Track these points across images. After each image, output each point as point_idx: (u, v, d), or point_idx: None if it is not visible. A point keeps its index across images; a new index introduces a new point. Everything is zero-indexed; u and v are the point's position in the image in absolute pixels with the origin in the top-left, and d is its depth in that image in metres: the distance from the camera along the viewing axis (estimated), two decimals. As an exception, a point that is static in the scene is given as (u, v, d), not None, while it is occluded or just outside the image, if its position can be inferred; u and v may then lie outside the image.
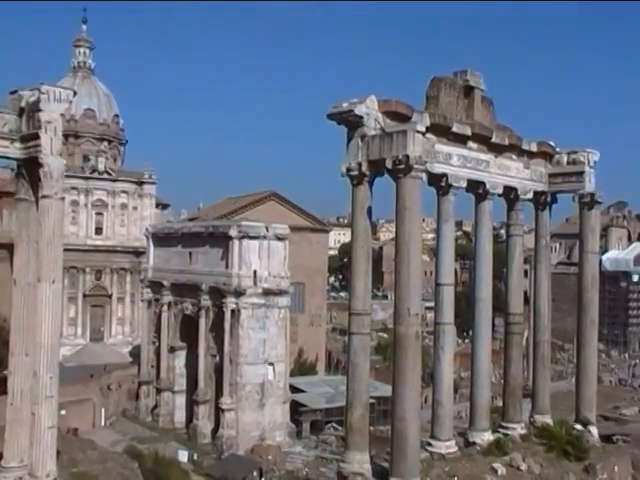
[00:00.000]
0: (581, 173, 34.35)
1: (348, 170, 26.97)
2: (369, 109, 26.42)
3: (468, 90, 30.75)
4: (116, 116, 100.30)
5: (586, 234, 34.81)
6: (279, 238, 51.64)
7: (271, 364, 50.49)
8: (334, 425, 52.70)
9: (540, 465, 30.12)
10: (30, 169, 22.93)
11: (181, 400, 55.73)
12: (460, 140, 29.51)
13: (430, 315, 44.74)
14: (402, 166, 25.19)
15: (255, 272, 50.11)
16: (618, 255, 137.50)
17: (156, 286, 57.41)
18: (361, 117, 26.30)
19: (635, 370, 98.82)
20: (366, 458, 27.31)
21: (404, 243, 25.47)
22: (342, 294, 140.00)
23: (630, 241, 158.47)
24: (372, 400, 42.51)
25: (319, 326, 76.91)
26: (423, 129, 26.30)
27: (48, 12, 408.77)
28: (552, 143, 35.24)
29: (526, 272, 45.73)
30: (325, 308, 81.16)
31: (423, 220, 31.83)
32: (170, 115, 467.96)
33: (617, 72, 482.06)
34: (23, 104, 23.10)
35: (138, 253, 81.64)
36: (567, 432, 32.72)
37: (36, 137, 22.29)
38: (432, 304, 31.50)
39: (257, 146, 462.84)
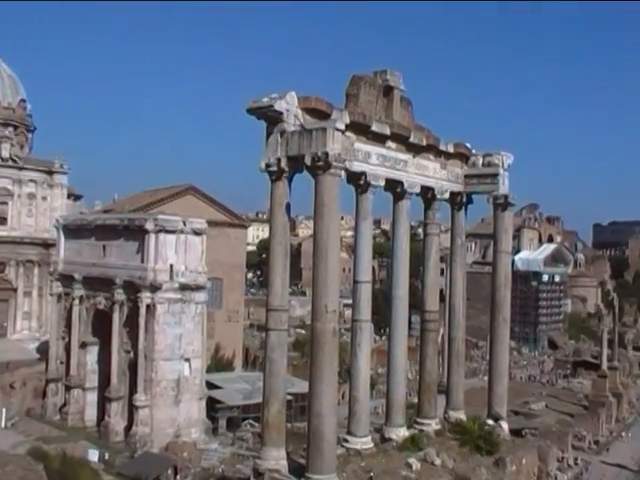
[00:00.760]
0: (495, 175, 35.26)
1: (267, 166, 26.79)
2: (289, 105, 26.29)
3: (388, 90, 31.05)
4: (23, 101, 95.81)
5: (500, 234, 35.72)
6: (197, 233, 50.80)
7: (187, 360, 49.61)
8: (251, 422, 52.32)
9: (453, 460, 30.77)
10: None
11: (92, 397, 54.01)
12: (379, 139, 29.75)
13: (348, 312, 45.07)
14: (321, 163, 25.17)
15: (172, 267, 49.09)
16: (529, 256, 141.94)
17: (67, 279, 55.48)
18: (281, 113, 26.14)
19: (544, 366, 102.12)
20: (282, 454, 27.27)
21: (322, 240, 25.46)
22: (260, 290, 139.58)
23: (541, 242, 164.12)
24: (289, 396, 42.36)
25: (237, 322, 76.26)
26: (342, 127, 26.35)
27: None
28: (468, 145, 35.98)
29: (442, 270, 46.49)
30: (243, 304, 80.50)
31: (342, 217, 31.98)
32: (85, 104, 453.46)
33: (535, 75, 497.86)
34: None
35: (47, 245, 78.47)
36: (479, 427, 33.57)
37: None
38: (350, 301, 31.66)
39: (175, 139, 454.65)
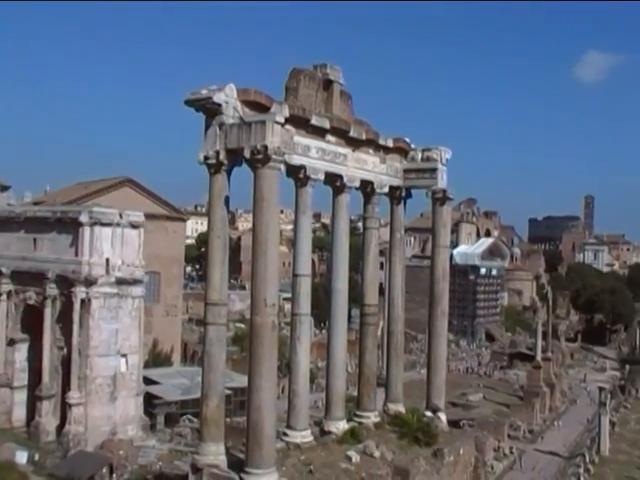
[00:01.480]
0: (434, 170, 35.58)
1: (206, 158, 26.44)
2: (228, 97, 25.98)
3: (327, 83, 31.02)
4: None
5: (438, 229, 36.10)
6: (134, 226, 49.73)
7: (124, 356, 48.55)
8: (189, 417, 51.64)
9: (392, 452, 31.01)
10: None
11: (21, 397, 52.15)
12: (319, 133, 29.69)
13: (288, 306, 44.92)
14: (260, 156, 24.96)
15: (107, 260, 47.88)
16: (467, 250, 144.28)
17: (-7, 274, 53.57)
18: (219, 105, 25.82)
19: (481, 359, 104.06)
20: (221, 449, 27.06)
21: (262, 233, 25.28)
22: (200, 284, 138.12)
23: (478, 236, 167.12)
24: (229, 391, 42.13)
25: (175, 316, 75.11)
26: (282, 120, 26.20)
27: None
28: (407, 140, 36.23)
29: (382, 264, 46.82)
30: (181, 298, 79.34)
31: (282, 211, 31.81)
32: (13, 92, 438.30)
33: (472, 70, 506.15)
34: None
35: (-30, 238, 75.94)
36: (418, 419, 33.92)
37: None
38: (290, 295, 31.52)
39: (110, 130, 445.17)
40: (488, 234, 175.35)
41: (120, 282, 48.53)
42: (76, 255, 47.88)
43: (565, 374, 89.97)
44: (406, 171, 35.85)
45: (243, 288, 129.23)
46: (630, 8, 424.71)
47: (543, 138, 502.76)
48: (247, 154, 25.43)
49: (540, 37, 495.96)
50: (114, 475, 40.75)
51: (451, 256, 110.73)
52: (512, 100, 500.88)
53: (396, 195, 35.67)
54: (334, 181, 31.30)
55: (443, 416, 35.85)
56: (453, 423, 37.87)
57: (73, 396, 46.10)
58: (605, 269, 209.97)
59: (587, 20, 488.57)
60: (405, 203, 36.46)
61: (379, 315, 38.68)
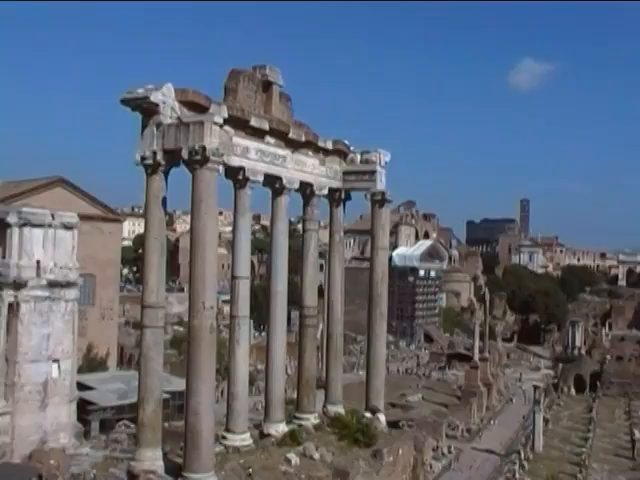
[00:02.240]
0: (373, 172, 35.83)
1: (143, 159, 25.99)
2: (165, 97, 25.62)
3: (267, 85, 30.92)
4: None
5: (377, 231, 36.35)
6: (67, 227, 48.27)
7: (56, 361, 46.98)
8: (126, 422, 50.57)
9: (332, 453, 31.04)
10: None
11: (-63, 409, 50.21)
12: (258, 134, 29.55)
13: (227, 308, 44.49)
14: (198, 157, 24.68)
15: (39, 262, 46.51)
16: (406, 252, 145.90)
17: None
18: (157, 105, 25.42)
19: (420, 359, 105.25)
20: (159, 455, 26.63)
21: (200, 235, 25.01)
22: (137, 287, 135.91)
23: (417, 238, 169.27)
24: (167, 395, 41.35)
25: (111, 320, 73.42)
26: (221, 121, 25.95)
27: None
28: (347, 142, 36.39)
29: (321, 266, 46.84)
30: (118, 301, 77.65)
31: (220, 213, 31.51)
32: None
33: (412, 73, 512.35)
34: None
35: None
36: (357, 420, 34.04)
37: None
38: (229, 297, 31.25)
39: (42, 129, 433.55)
40: (427, 236, 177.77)
41: (52, 285, 47.06)
42: (3, 257, 46.27)
43: (502, 374, 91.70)
44: (345, 173, 36.00)
45: (182, 290, 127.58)
46: (563, 17, 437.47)
47: (481, 142, 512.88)
48: (185, 155, 25.10)
49: (476, 42, 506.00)
50: (45, 485, 39.52)
51: (390, 258, 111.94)
52: (451, 104, 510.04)
53: (335, 197, 35.77)
54: (273, 183, 31.19)
55: (382, 417, 36.08)
56: (392, 424, 38.17)
57: (-2, 405, 44.56)
58: (540, 271, 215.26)
59: (522, 27, 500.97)
60: (344, 205, 36.61)
61: (318, 317, 38.74)
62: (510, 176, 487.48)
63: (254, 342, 65.67)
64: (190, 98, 26.47)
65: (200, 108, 26.59)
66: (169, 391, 46.23)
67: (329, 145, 34.53)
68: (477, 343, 73.17)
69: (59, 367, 47.20)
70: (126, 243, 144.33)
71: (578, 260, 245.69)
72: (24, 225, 46.18)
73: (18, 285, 45.39)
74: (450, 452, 50.92)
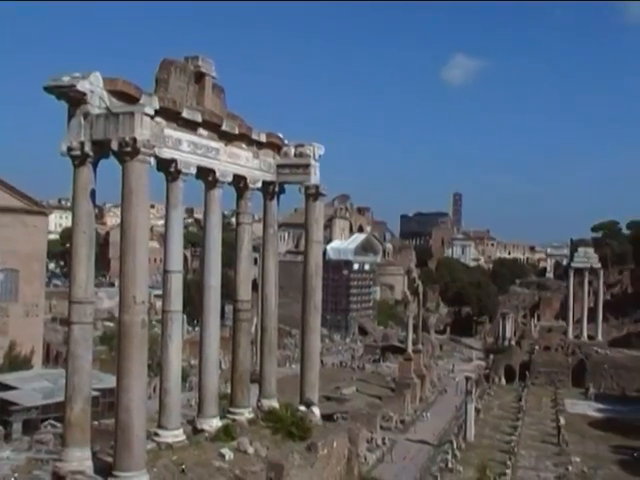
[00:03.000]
0: (307, 166, 35.76)
1: (69, 149, 25.18)
2: (93, 86, 24.87)
3: (199, 76, 30.43)
4: None
5: (311, 224, 36.35)
6: (-18, 219, 46.87)
7: (-26, 362, 45.60)
8: (52, 422, 49.03)
9: (267, 447, 30.92)
10: None
11: None
12: (190, 126, 29.07)
13: (159, 303, 43.83)
14: (129, 149, 24.09)
15: (-44, 257, 44.91)
16: (341, 245, 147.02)
17: None
18: (84, 94, 24.63)
19: (355, 352, 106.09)
20: (87, 454, 25.90)
21: (131, 229, 24.46)
22: (65, 282, 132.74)
23: (352, 232, 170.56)
24: (97, 393, 40.59)
25: (36, 316, 71.08)
26: (152, 112, 25.38)
27: None
28: (281, 135, 36.23)
29: (255, 260, 46.71)
30: (43, 297, 75.21)
31: (152, 206, 30.99)
32: None
33: (344, 65, 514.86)
34: None
35: None
36: (292, 414, 34.02)
37: None
38: (161, 292, 30.75)
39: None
40: (361, 230, 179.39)
41: (-31, 280, 45.74)
42: None
43: (435, 365, 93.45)
44: (279, 166, 35.85)
45: (112, 285, 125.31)
46: (495, 14, 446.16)
47: (414, 136, 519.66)
48: (115, 146, 24.46)
49: (409, 37, 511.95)
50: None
51: (325, 251, 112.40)
52: (383, 97, 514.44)
53: (269, 190, 35.61)
54: (206, 175, 30.80)
55: (317, 410, 36.17)
56: (327, 417, 38.40)
57: None
58: (472, 264, 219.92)
59: (455, 22, 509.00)
60: (278, 198, 36.45)
61: (252, 311, 38.51)
62: (443, 170, 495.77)
63: (187, 337, 65.04)
64: (120, 88, 25.79)
65: (130, 98, 25.95)
66: (99, 389, 45.23)
67: (263, 138, 34.30)
68: (411, 335, 74.20)
69: (-22, 369, 45.63)
70: (53, 237, 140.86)
71: (509, 253, 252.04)
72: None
73: None
74: (384, 443, 51.54)
